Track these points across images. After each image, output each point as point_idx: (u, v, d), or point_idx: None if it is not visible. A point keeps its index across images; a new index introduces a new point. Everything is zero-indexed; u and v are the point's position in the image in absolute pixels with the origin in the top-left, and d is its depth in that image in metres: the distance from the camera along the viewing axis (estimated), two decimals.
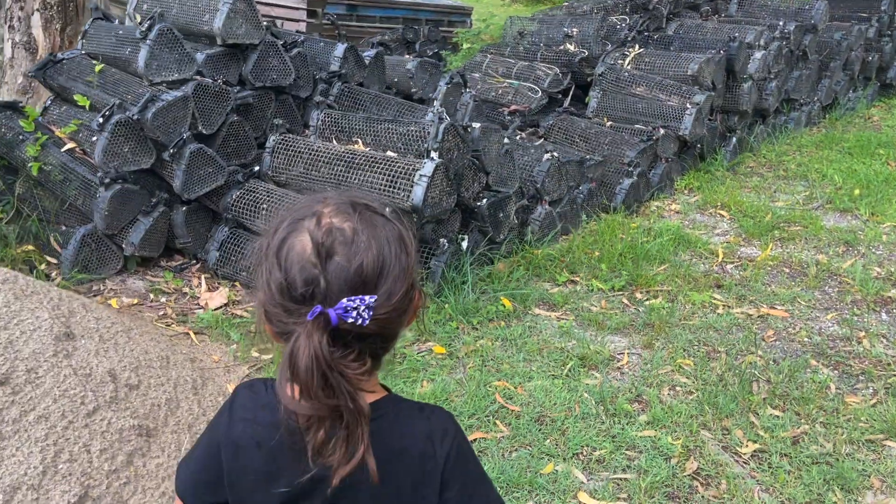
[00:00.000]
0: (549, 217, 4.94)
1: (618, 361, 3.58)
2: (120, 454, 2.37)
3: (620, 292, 4.32)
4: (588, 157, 5.50)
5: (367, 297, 0.92)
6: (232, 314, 3.81)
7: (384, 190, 3.80)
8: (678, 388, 3.34)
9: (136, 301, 3.81)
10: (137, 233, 3.98)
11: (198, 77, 4.12)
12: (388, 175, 3.81)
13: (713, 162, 6.70)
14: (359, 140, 4.14)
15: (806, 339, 3.82)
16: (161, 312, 3.73)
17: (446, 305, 3.92)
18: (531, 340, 3.71)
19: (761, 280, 4.48)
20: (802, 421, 3.12)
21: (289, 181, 4.17)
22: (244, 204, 4.13)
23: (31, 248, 3.94)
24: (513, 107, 6.41)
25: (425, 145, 3.81)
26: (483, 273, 4.29)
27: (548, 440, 2.95)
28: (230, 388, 3.14)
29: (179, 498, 1.17)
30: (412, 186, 3.71)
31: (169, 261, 4.31)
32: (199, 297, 3.95)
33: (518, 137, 5.86)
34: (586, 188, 5.37)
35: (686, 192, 6.24)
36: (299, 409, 0.91)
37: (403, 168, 3.79)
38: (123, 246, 4.00)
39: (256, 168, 4.27)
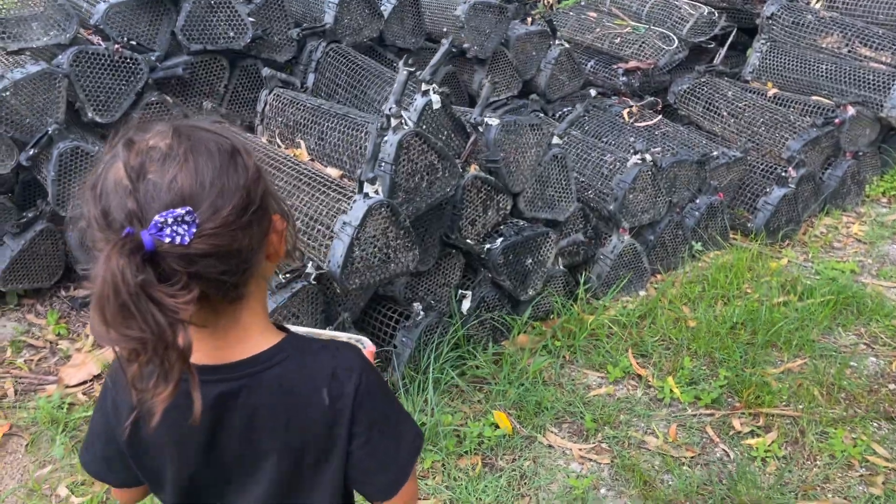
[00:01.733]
0: (627, 254, 3.24)
1: None
2: None
3: (709, 410, 2.61)
4: (714, 153, 3.63)
5: (178, 210, 0.80)
6: (90, 398, 2.63)
7: (300, 235, 2.38)
8: None
9: None
10: (1, 259, 2.88)
11: (93, 39, 2.86)
12: (308, 212, 2.36)
13: None
14: (302, 142, 2.71)
15: None
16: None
17: None
18: None
19: None
20: None
21: None
22: None
23: None
24: (631, 63, 4.58)
25: (359, 172, 2.30)
26: (485, 356, 2.76)
27: None
28: None
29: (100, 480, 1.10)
30: (329, 240, 2.25)
31: (78, 288, 3.21)
32: (72, 357, 2.81)
33: (626, 111, 4.10)
34: (706, 202, 3.55)
35: (884, 201, 4.14)
36: (101, 338, 0.79)
37: (327, 203, 2.32)
38: None
39: None
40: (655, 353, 2.87)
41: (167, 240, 0.79)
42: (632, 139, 3.71)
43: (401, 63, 2.42)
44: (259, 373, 0.94)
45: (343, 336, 1.24)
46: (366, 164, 2.25)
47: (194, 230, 0.81)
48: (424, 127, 2.60)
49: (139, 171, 0.82)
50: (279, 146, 2.82)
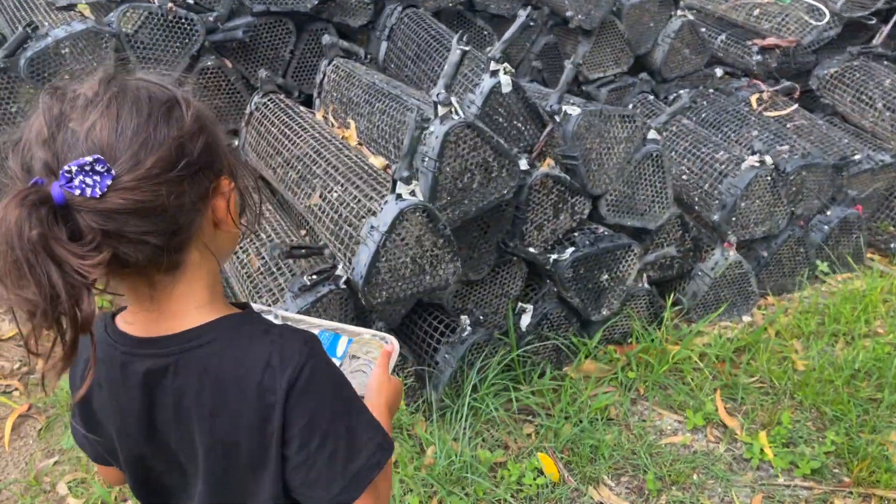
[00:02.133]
0: (731, 273, 2.74)
1: None
2: None
3: (807, 483, 2.13)
4: (856, 156, 3.03)
5: (86, 157, 0.73)
6: None
7: (329, 234, 2.08)
8: None
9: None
10: None
11: None
12: (337, 208, 2.06)
13: None
14: (352, 123, 2.40)
15: None
16: (24, 369, 2.54)
17: (428, 451, 2.16)
18: None
19: None
20: None
21: (261, 170, 2.61)
22: None
23: None
24: (769, 40, 3.93)
25: (393, 170, 1.96)
26: (540, 384, 2.38)
27: None
28: None
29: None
30: (356, 244, 1.94)
31: None
32: None
33: (754, 97, 3.54)
34: (840, 215, 2.96)
35: None
36: None
37: (359, 200, 2.01)
38: None
39: (236, 142, 2.78)
40: (749, 399, 2.40)
41: (77, 192, 0.72)
42: (755, 133, 3.15)
43: (454, 40, 2.04)
44: (186, 352, 0.86)
45: (367, 333, 1.14)
46: (401, 159, 1.90)
47: (108, 182, 0.74)
48: (500, 111, 2.23)
49: (59, 120, 0.77)
50: (333, 125, 2.52)
